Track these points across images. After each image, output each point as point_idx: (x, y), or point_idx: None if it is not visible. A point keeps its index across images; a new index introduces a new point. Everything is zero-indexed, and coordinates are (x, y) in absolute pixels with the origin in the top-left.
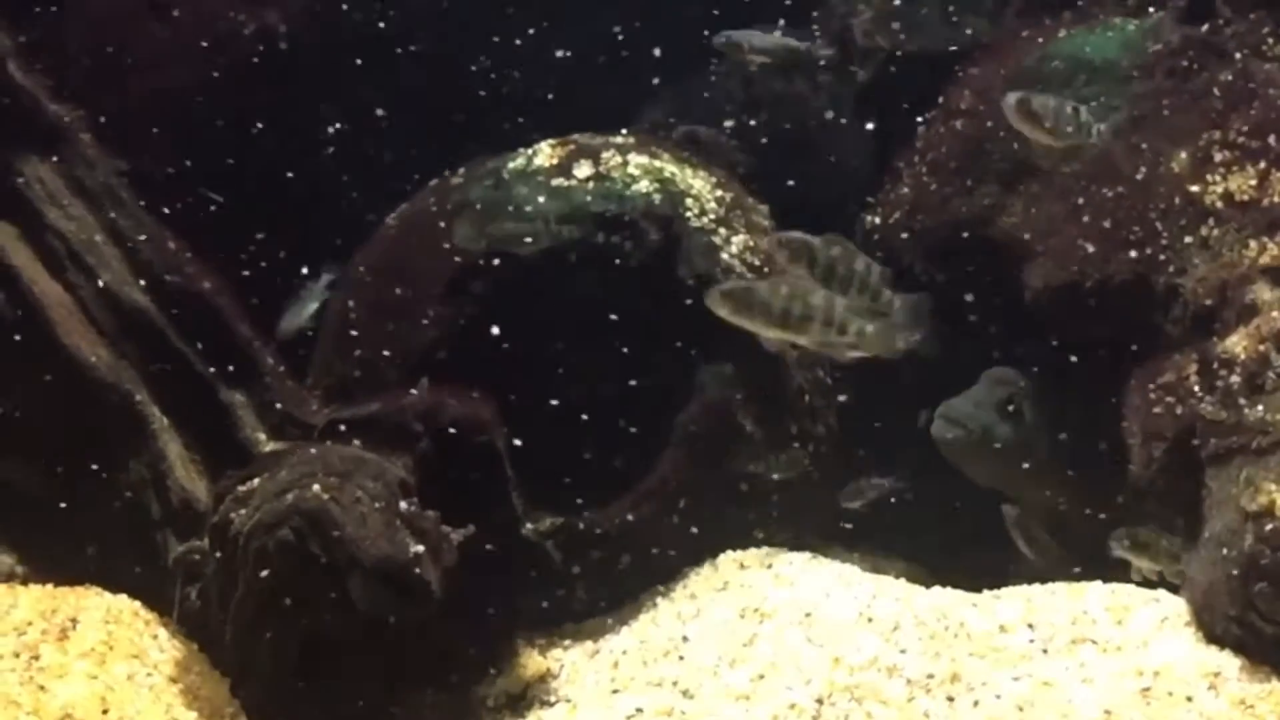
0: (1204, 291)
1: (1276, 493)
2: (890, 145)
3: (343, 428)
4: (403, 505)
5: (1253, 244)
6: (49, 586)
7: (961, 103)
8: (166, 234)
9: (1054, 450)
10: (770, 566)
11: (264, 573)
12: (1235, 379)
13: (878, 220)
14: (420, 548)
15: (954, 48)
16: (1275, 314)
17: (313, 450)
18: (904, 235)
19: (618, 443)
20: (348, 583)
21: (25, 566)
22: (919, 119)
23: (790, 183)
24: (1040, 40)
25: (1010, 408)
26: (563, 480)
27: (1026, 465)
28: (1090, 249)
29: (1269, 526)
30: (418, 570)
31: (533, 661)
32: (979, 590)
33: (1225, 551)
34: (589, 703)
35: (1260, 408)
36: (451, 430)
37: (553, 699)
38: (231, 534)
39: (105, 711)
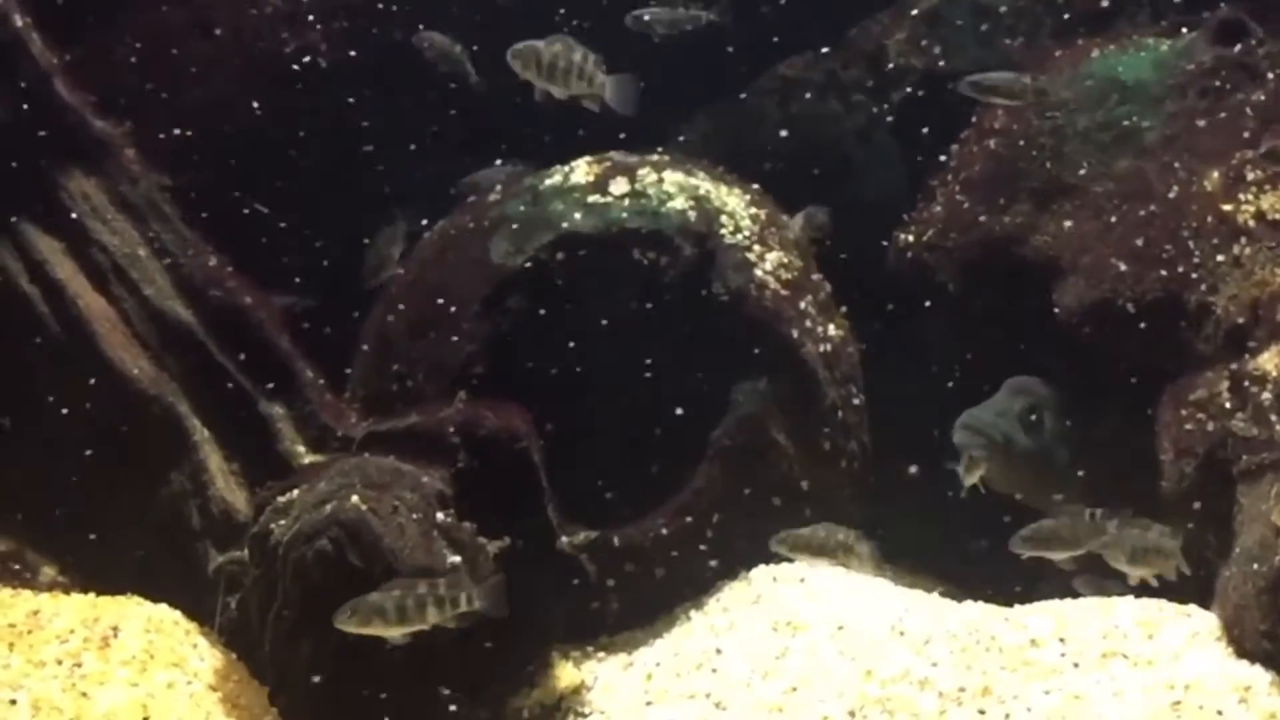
0: (1236, 309)
1: None
2: (924, 164)
3: (381, 440)
4: (440, 517)
5: None
6: (91, 596)
7: (995, 122)
8: (209, 248)
9: (1077, 461)
10: (803, 580)
11: (303, 583)
12: (1267, 396)
13: (910, 238)
14: (457, 559)
15: (986, 68)
16: None
17: (351, 462)
18: (936, 253)
19: (652, 456)
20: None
21: (67, 576)
22: (952, 138)
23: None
24: (1073, 60)
25: (1032, 417)
26: (598, 494)
27: (1046, 474)
28: (1123, 267)
29: None
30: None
31: (566, 673)
32: (1010, 604)
33: (1256, 566)
34: (622, 714)
35: None
36: (488, 443)
37: (586, 710)
38: (271, 544)
39: (146, 718)
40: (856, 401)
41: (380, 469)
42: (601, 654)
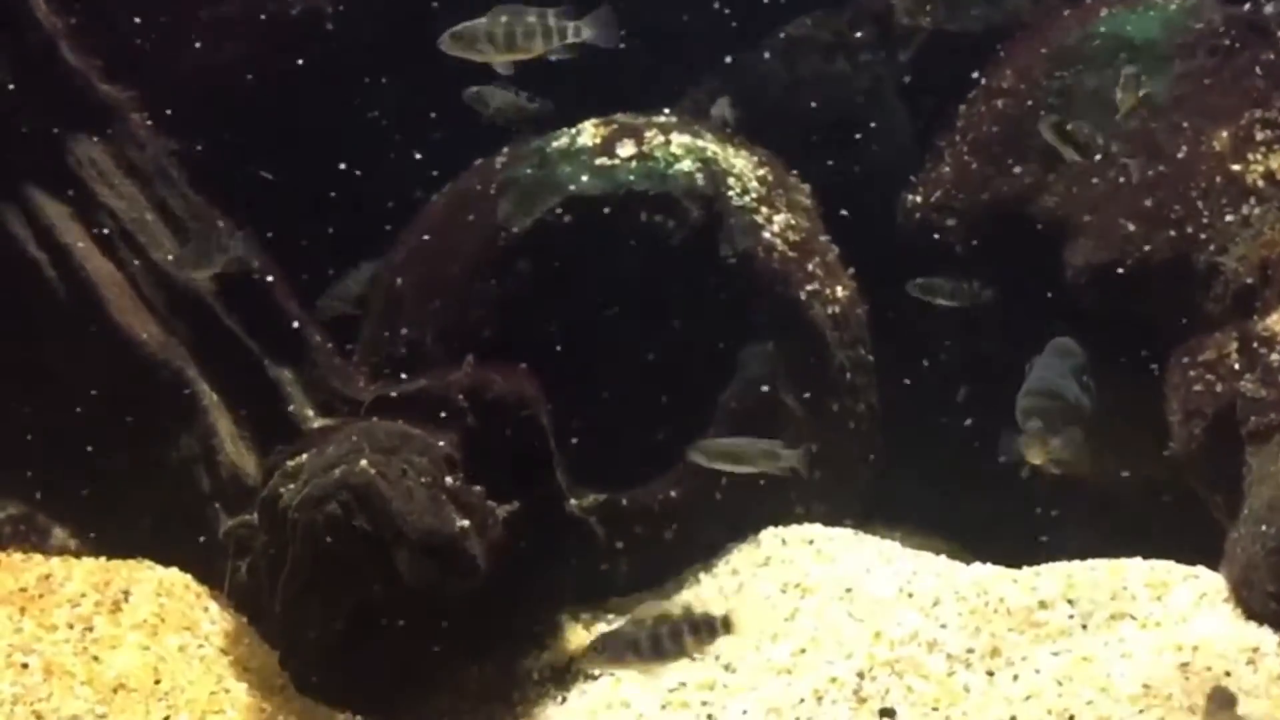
0: (1245, 270)
1: None
2: (932, 124)
3: (389, 404)
4: (448, 480)
5: None
6: (102, 560)
7: (1003, 82)
8: (215, 213)
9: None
10: (812, 543)
11: (312, 546)
12: (1276, 357)
13: (919, 199)
14: (466, 522)
15: (994, 27)
16: None
17: (360, 426)
18: (945, 213)
19: (660, 419)
20: (394, 556)
21: (78, 540)
22: (960, 98)
23: (832, 161)
24: (1081, 19)
25: (1084, 377)
26: (606, 456)
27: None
28: (1131, 228)
29: None
30: (463, 544)
31: (576, 635)
32: (1019, 567)
33: (1264, 528)
34: (633, 675)
35: None
36: (496, 406)
37: (596, 672)
38: (280, 508)
39: (158, 681)
40: (865, 363)
41: (389, 433)
42: (611, 616)
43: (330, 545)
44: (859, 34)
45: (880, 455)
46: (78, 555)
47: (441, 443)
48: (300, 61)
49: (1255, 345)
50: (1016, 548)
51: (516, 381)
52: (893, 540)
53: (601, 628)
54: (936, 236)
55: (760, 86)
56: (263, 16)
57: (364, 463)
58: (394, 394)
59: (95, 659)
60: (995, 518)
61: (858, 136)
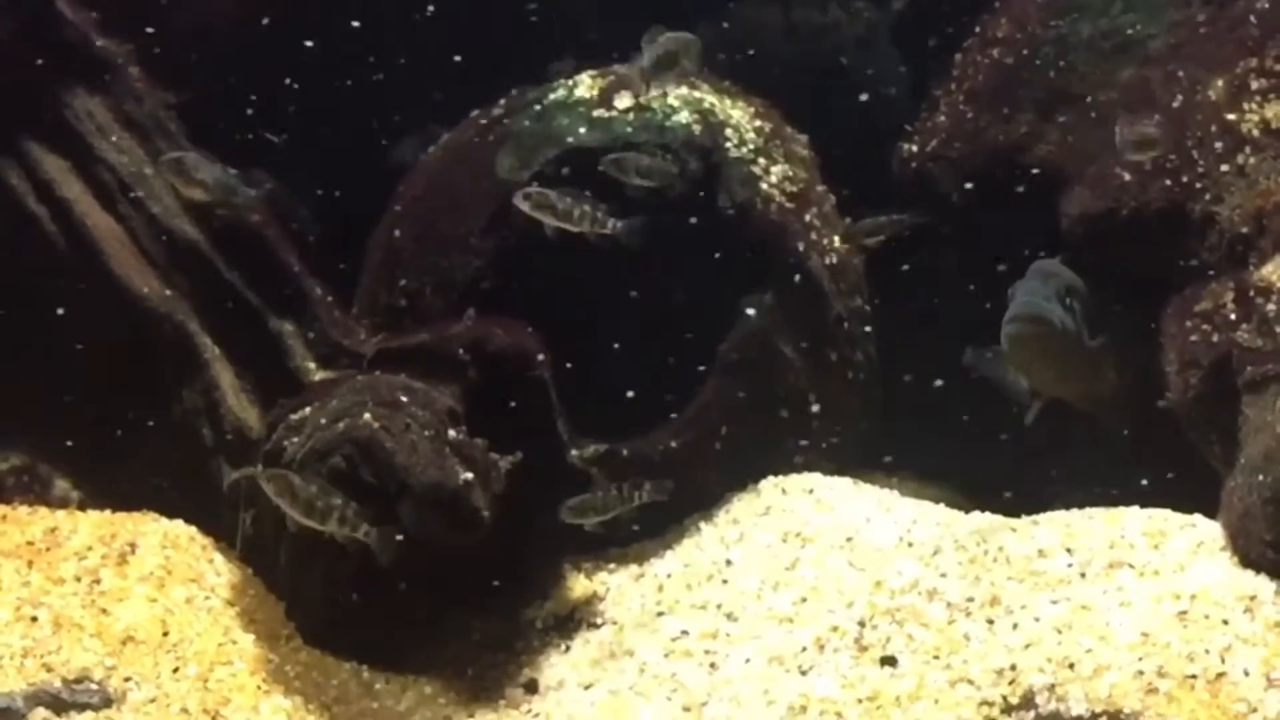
0: (1240, 219)
1: None
2: (926, 74)
3: (391, 357)
4: (451, 434)
5: None
6: (107, 512)
7: (998, 31)
8: (216, 166)
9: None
10: (811, 492)
11: None
12: (1271, 307)
13: (914, 148)
14: (470, 475)
15: None
16: None
17: (362, 380)
18: (940, 163)
19: (660, 370)
20: (399, 509)
21: (80, 491)
22: (956, 47)
23: (825, 108)
24: None
25: (1067, 300)
26: (606, 407)
27: (1079, 356)
28: (1126, 177)
29: None
30: (468, 497)
31: (579, 584)
32: (1018, 515)
33: (1261, 478)
34: (635, 624)
35: None
36: (497, 359)
37: (599, 621)
38: (285, 461)
39: (165, 634)
40: (862, 312)
41: (391, 386)
42: (613, 565)
43: None
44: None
45: (879, 404)
46: (81, 507)
47: (444, 396)
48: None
49: (1251, 295)
50: (1016, 496)
51: (517, 335)
52: (891, 489)
53: (603, 577)
54: (932, 186)
55: (755, 33)
56: None
57: (367, 416)
58: (395, 347)
59: (104, 611)
60: (995, 466)
61: (851, 84)
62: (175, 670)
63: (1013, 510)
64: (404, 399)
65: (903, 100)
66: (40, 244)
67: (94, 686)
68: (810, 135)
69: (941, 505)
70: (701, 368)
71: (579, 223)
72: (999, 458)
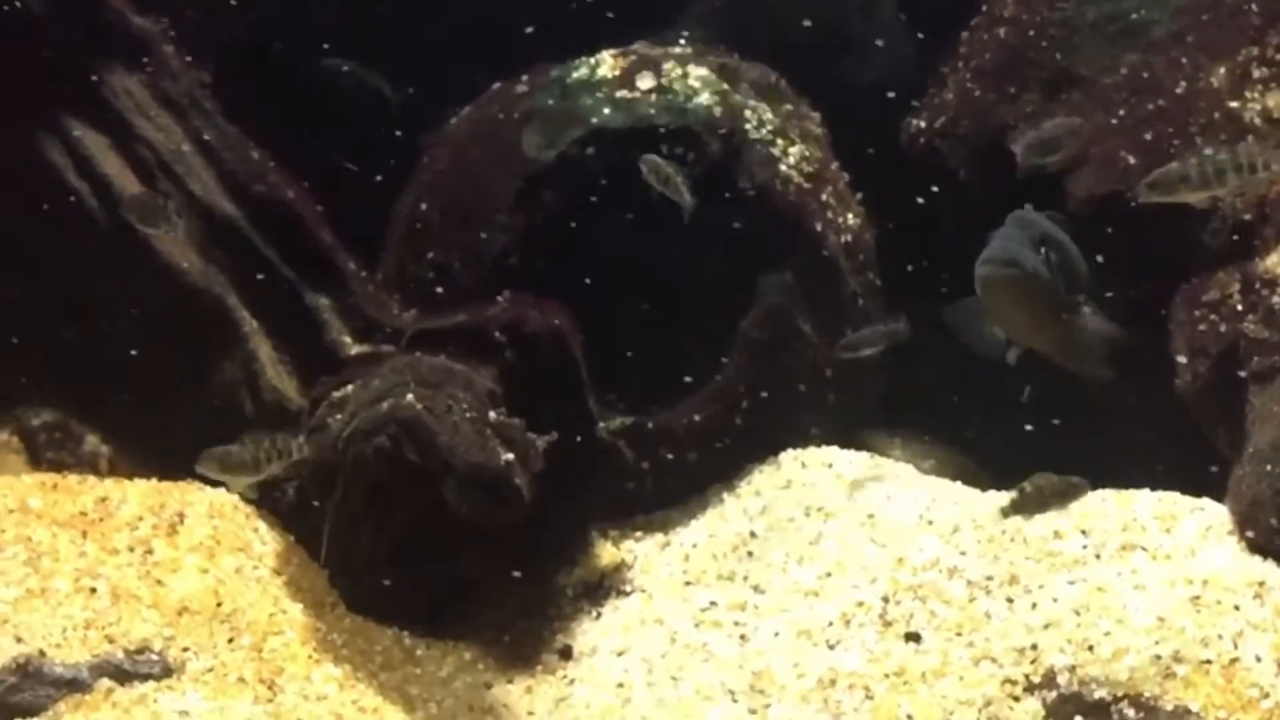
0: (1243, 206)
1: None
2: (934, 45)
3: (429, 338)
4: (492, 415)
5: None
6: (154, 481)
7: (1005, 11)
8: (249, 144)
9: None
10: (830, 466)
11: (363, 477)
12: (1277, 299)
13: (923, 124)
14: (510, 455)
15: None
16: None
17: (403, 360)
18: (949, 139)
19: (682, 345)
20: (442, 487)
21: (109, 446)
22: (962, 22)
23: (830, 72)
24: None
25: (1043, 249)
26: (630, 381)
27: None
28: (1132, 161)
29: None
30: (510, 477)
31: (607, 552)
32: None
33: (1269, 468)
34: (664, 593)
35: None
36: (532, 340)
37: (628, 589)
38: (329, 438)
39: (219, 604)
40: (873, 287)
41: (432, 368)
42: (639, 533)
43: (379, 476)
44: None
45: (886, 373)
46: (111, 464)
47: (483, 377)
48: None
49: (1257, 287)
50: (1022, 460)
51: (551, 315)
52: (894, 449)
53: (629, 545)
54: (940, 161)
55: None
56: None
57: (410, 396)
58: (433, 328)
59: (159, 582)
60: (1001, 430)
61: (853, 51)
62: (230, 640)
63: (1019, 472)
64: (445, 380)
65: (906, 63)
66: (81, 218)
67: (154, 657)
68: (813, 99)
69: (958, 484)
70: (723, 344)
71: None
72: (1000, 420)
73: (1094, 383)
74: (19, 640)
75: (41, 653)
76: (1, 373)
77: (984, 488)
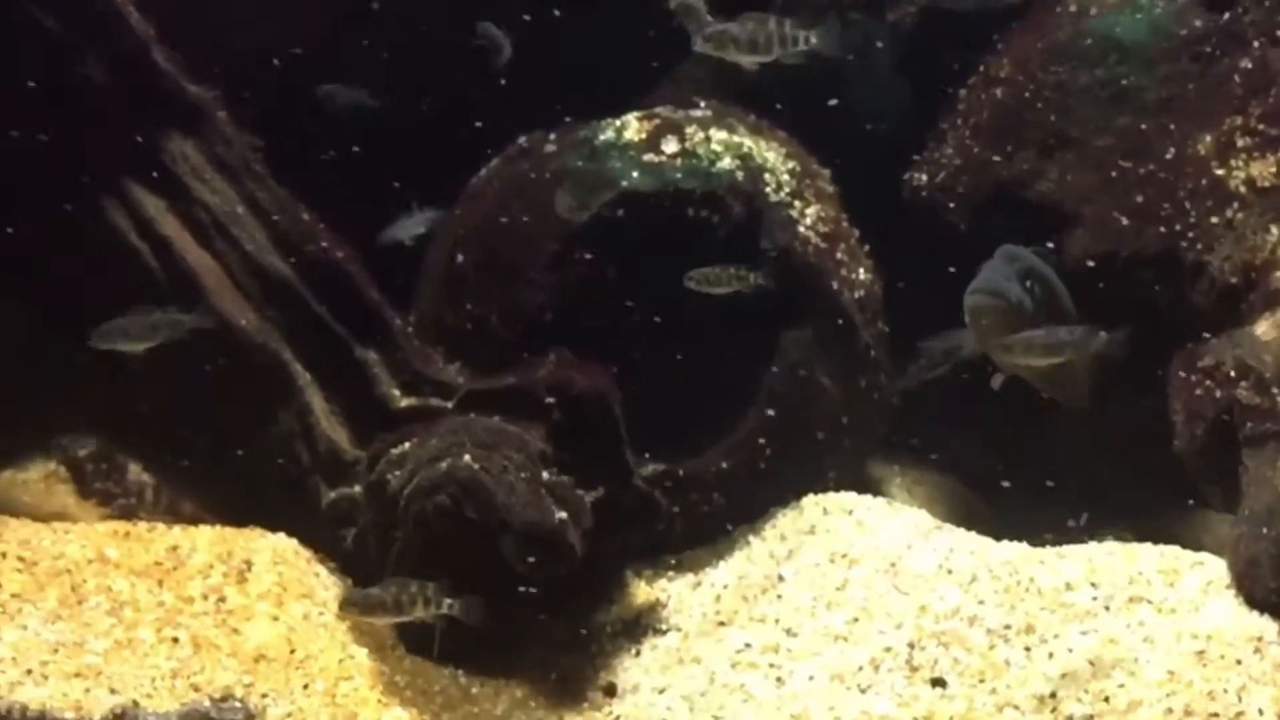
0: (1230, 269)
1: None
2: (929, 95)
3: (481, 398)
4: (545, 475)
5: (1274, 229)
6: (219, 528)
7: (1001, 71)
8: (300, 206)
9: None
10: (851, 513)
11: (424, 532)
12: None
13: (924, 178)
14: (564, 514)
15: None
16: None
17: (458, 421)
18: (949, 195)
19: (708, 397)
20: (500, 543)
21: (150, 475)
22: (959, 77)
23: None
24: (1074, 16)
25: (1028, 282)
26: (660, 429)
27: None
28: (1124, 222)
29: None
30: (564, 535)
31: (641, 591)
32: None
33: (1265, 530)
34: (698, 633)
35: None
36: (578, 401)
37: (664, 627)
38: (389, 493)
39: (292, 651)
40: (883, 336)
41: (486, 429)
42: (670, 573)
43: (441, 532)
44: None
45: (894, 413)
46: (194, 522)
47: (535, 438)
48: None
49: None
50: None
51: (594, 377)
52: (892, 475)
53: (662, 584)
54: (941, 214)
55: None
56: None
57: (467, 457)
58: (484, 389)
59: (235, 631)
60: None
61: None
62: (305, 686)
63: (1018, 500)
64: (499, 442)
65: (897, 104)
66: (143, 276)
67: (237, 704)
68: (809, 141)
69: (973, 533)
70: (746, 395)
71: (765, 50)
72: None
73: (1074, 408)
74: (113, 691)
75: (135, 703)
76: (61, 414)
77: (975, 509)
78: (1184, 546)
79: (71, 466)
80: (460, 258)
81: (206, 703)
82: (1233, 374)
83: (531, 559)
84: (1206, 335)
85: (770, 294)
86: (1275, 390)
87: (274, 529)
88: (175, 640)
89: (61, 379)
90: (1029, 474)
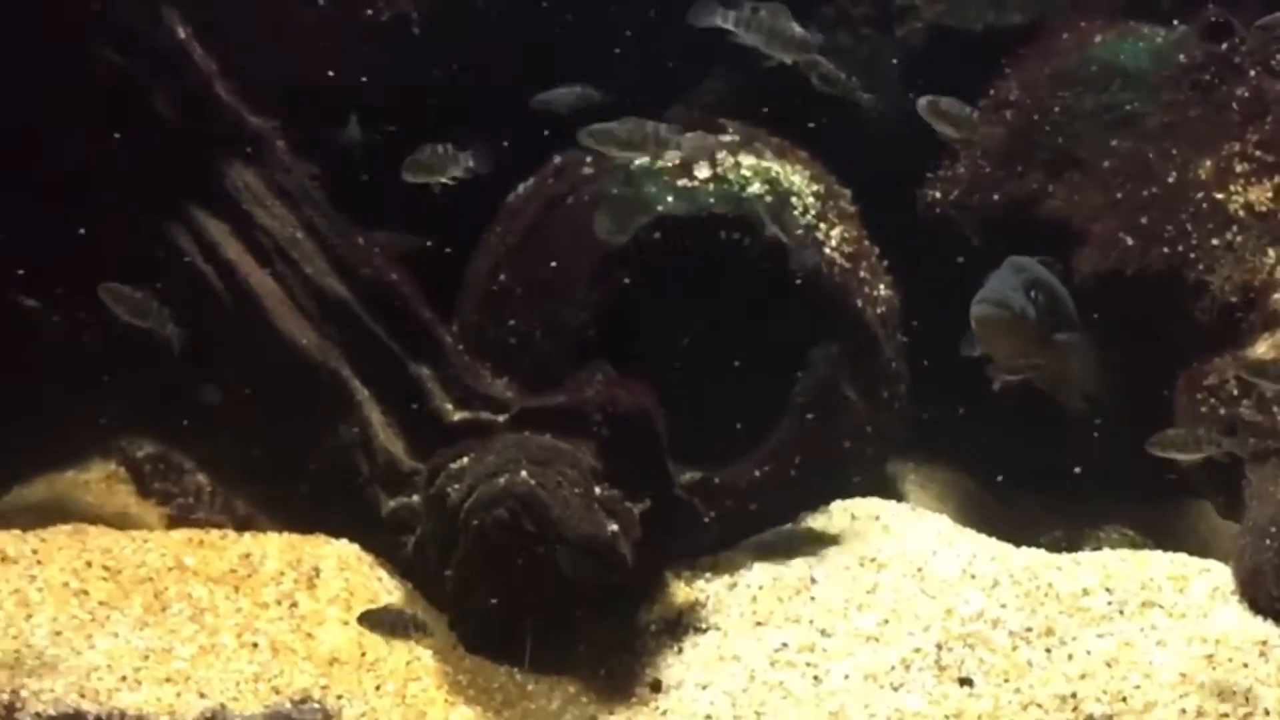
0: (1230, 289)
1: None
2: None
3: (533, 416)
4: (597, 490)
5: (1271, 252)
6: (286, 535)
7: (1010, 95)
8: (355, 230)
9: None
10: (878, 519)
11: (483, 543)
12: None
13: (938, 195)
14: (615, 526)
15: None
16: None
17: (513, 438)
18: (962, 211)
19: (741, 410)
20: (556, 555)
21: (207, 477)
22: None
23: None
24: (1079, 43)
25: (1032, 292)
26: (698, 440)
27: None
28: (1130, 242)
29: None
30: (616, 546)
31: (681, 591)
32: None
33: (1268, 542)
34: (737, 632)
35: None
36: (623, 418)
37: (704, 626)
38: (449, 505)
39: (363, 654)
40: (902, 348)
41: (540, 447)
42: (707, 574)
43: (499, 543)
44: (860, 10)
45: (914, 419)
46: (211, 497)
47: (586, 455)
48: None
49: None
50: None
51: (639, 395)
52: (907, 472)
53: (700, 585)
54: (954, 230)
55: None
56: (354, 20)
57: (524, 473)
58: (536, 407)
59: (309, 635)
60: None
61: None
62: (377, 688)
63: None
64: (553, 459)
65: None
66: (209, 299)
67: (315, 705)
68: (820, 149)
69: (993, 539)
70: (777, 408)
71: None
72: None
73: (1072, 410)
74: (202, 695)
75: (223, 705)
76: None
77: (985, 505)
78: (1181, 538)
79: (131, 467)
80: (503, 276)
81: (287, 705)
82: (1235, 393)
83: (585, 569)
84: (1208, 352)
85: (800, 312)
86: (1276, 409)
87: (336, 536)
88: (255, 645)
89: (127, 391)
90: (1035, 472)
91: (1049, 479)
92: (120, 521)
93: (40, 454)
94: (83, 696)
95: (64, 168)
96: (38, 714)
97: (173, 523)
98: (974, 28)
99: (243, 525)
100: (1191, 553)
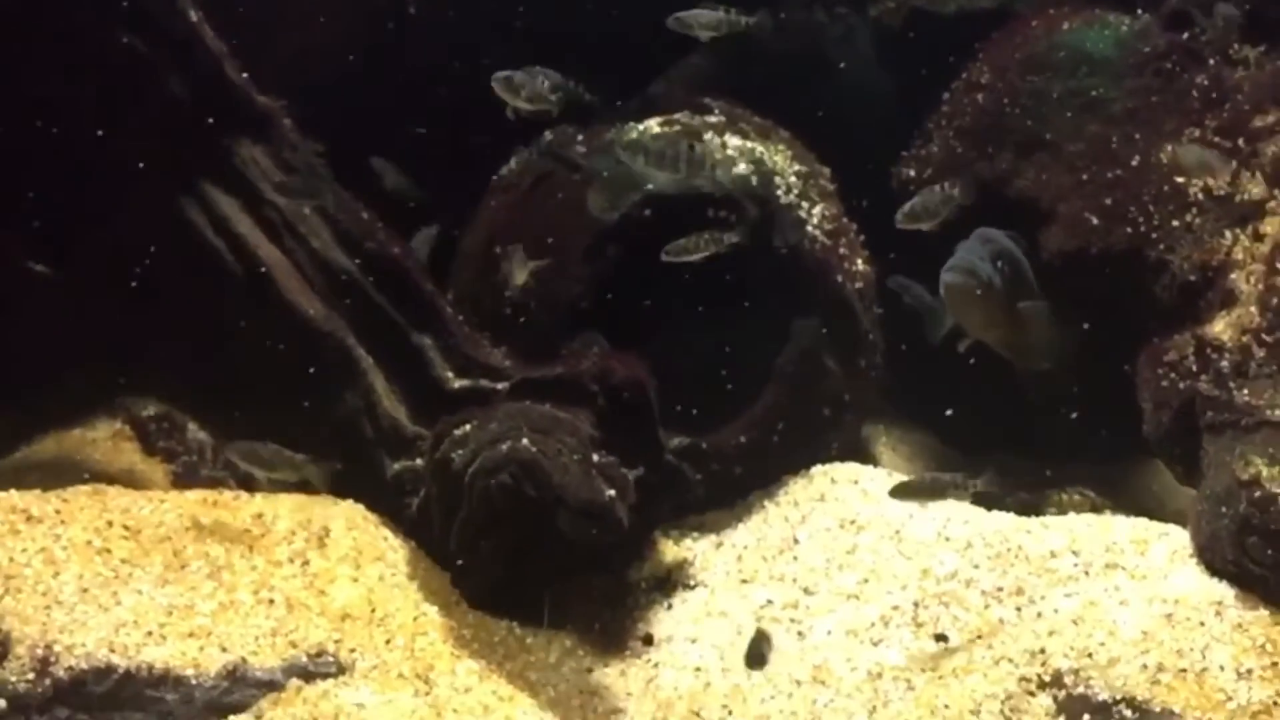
0: (1189, 268)
1: (1262, 465)
2: (909, 89)
3: (533, 386)
4: (595, 458)
5: (1227, 234)
6: (295, 495)
7: (982, 78)
8: (360, 206)
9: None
10: (857, 482)
11: (487, 507)
12: (1224, 363)
13: (912, 173)
14: (612, 491)
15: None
16: (1253, 309)
17: (515, 407)
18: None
19: (727, 378)
20: (556, 518)
21: (206, 433)
22: (941, 78)
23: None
24: (1047, 29)
25: (998, 262)
26: (686, 407)
27: (1000, 309)
28: (1094, 221)
29: (1257, 493)
30: (613, 510)
31: (669, 550)
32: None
33: (1224, 509)
34: (723, 589)
35: (1245, 391)
36: (618, 389)
37: (692, 583)
38: (454, 469)
39: (373, 610)
40: (877, 319)
41: (541, 416)
42: (694, 534)
43: (502, 507)
44: None
45: (886, 388)
46: (215, 455)
47: (584, 423)
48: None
49: (1208, 351)
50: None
51: (632, 367)
52: (879, 433)
53: (688, 543)
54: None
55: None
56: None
57: (525, 440)
58: (536, 378)
59: (322, 592)
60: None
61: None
62: (388, 642)
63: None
64: (553, 427)
65: (878, 91)
66: (220, 271)
67: (330, 659)
68: (797, 124)
69: (965, 504)
70: (761, 377)
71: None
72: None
73: (1033, 372)
74: (224, 649)
75: (244, 659)
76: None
77: (954, 465)
78: (1137, 496)
79: (136, 425)
80: (498, 249)
81: (304, 658)
82: (1194, 368)
83: (583, 531)
84: (1169, 329)
85: (783, 286)
86: (1233, 385)
87: (343, 497)
88: (271, 601)
89: (137, 353)
90: (1001, 430)
91: (1014, 440)
92: (127, 479)
93: (47, 412)
94: (112, 651)
95: (79, 143)
96: (70, 668)
97: (177, 480)
98: (945, 10)
99: (244, 484)
100: (1147, 510)
